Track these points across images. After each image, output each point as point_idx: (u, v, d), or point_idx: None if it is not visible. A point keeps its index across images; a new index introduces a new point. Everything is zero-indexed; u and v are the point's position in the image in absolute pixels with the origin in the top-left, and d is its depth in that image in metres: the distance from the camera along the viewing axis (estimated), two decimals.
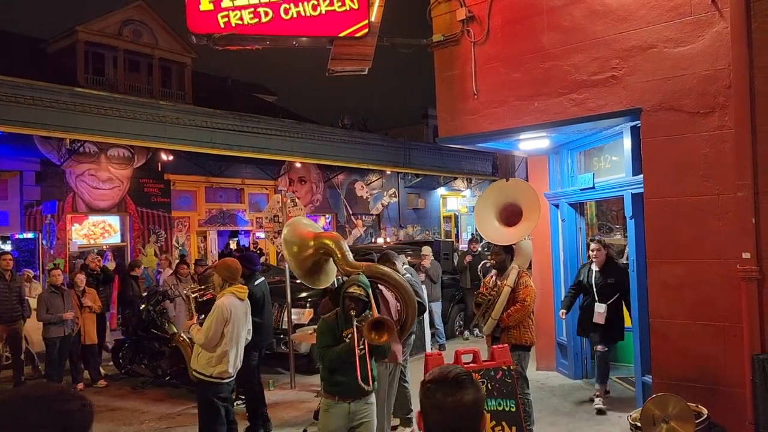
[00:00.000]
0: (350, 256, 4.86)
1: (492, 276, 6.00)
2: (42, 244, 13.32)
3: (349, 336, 4.13)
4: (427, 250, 10.06)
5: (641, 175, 5.64)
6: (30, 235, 13.45)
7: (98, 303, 8.57)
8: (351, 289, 4.21)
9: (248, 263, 6.57)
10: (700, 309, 5.10)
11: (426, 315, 7.90)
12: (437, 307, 9.90)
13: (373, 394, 4.33)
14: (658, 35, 5.30)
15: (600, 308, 6.49)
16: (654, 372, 5.53)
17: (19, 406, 1.35)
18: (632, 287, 6.31)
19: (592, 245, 6.75)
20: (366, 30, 6.55)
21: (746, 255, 4.77)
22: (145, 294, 9.14)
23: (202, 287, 6.24)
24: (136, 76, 19.78)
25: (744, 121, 4.81)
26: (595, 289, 6.61)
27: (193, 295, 5.61)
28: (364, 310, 4.26)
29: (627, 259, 7.00)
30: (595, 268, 6.67)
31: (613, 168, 6.83)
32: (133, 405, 7.42)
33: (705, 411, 4.50)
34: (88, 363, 8.50)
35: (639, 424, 4.32)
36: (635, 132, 5.81)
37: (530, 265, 8.92)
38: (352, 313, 4.14)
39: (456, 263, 11.54)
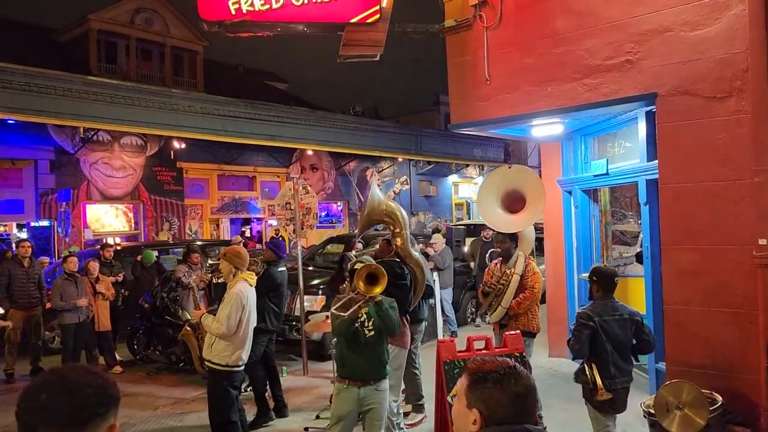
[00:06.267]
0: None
1: (497, 263, 5.96)
2: (57, 231, 13.46)
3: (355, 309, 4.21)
4: (437, 237, 10.02)
5: (656, 161, 5.58)
6: (45, 223, 13.60)
7: (111, 290, 8.64)
8: (357, 266, 4.37)
9: (278, 249, 6.65)
10: (716, 295, 5.05)
11: (437, 302, 7.90)
12: (447, 294, 9.87)
13: (385, 381, 4.32)
14: (674, 18, 5.22)
15: None
16: (667, 359, 5.50)
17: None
18: (646, 274, 6.26)
19: None
20: (377, 16, 6.53)
21: (762, 241, 4.72)
22: (158, 283, 9.17)
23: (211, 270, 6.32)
24: (148, 64, 19.80)
25: (761, 105, 4.74)
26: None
27: (207, 279, 5.65)
28: None
29: (641, 246, 6.95)
30: None
31: (628, 154, 6.76)
32: (148, 390, 7.50)
33: (719, 398, 4.48)
34: (103, 349, 8.60)
35: (653, 411, 4.30)
36: (650, 117, 5.75)
37: (540, 250, 8.97)
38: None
39: (466, 251, 11.46)
